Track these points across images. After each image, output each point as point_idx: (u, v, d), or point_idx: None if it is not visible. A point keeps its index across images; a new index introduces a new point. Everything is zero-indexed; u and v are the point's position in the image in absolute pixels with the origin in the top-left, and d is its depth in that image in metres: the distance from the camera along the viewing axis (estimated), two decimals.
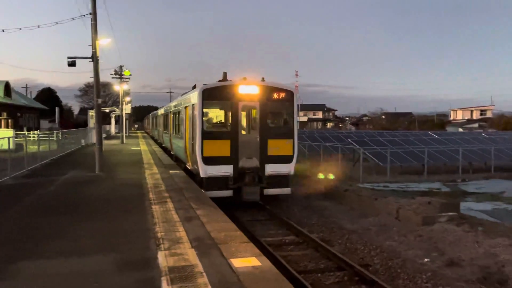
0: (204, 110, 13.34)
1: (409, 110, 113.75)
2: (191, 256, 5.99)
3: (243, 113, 13.63)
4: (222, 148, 13.08)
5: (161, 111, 32.54)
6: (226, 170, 13.04)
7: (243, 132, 13.50)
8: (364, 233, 11.58)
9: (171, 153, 22.71)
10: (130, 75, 37.49)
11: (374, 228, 12.11)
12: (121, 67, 37.61)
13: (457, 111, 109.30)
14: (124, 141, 36.92)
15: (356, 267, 8.42)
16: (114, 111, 54.44)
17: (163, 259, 5.85)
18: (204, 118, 13.34)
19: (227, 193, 13.05)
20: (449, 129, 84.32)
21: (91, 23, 15.74)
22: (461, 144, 28.11)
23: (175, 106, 20.63)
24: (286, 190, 13.84)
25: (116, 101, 75.78)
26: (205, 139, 13.00)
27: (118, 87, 40.31)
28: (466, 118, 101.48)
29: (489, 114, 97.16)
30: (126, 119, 47.10)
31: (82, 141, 32.30)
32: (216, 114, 14.64)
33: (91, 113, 40.62)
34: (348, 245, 10.43)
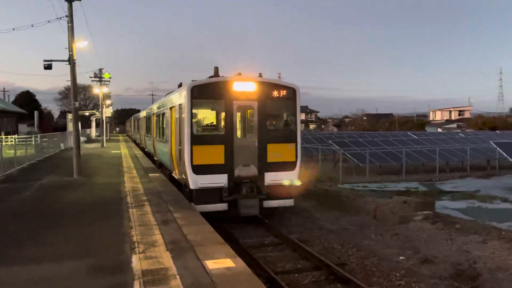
0: (193, 110, 11.72)
1: (390, 111, 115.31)
2: (166, 259, 6.00)
3: (239, 114, 12.15)
4: (215, 154, 11.54)
5: (143, 113, 30.92)
6: (220, 180, 11.46)
7: (239, 136, 11.96)
8: (342, 233, 11.73)
9: (155, 158, 21.00)
10: (110, 77, 37.19)
11: (352, 228, 12.28)
12: (100, 69, 37.24)
13: (436, 112, 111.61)
14: (105, 145, 36.49)
15: (332, 266, 8.53)
16: (94, 114, 53.74)
17: (137, 263, 5.84)
18: (193, 120, 11.75)
19: (221, 206, 11.51)
20: (429, 129, 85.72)
21: (68, 26, 15.57)
22: (438, 144, 28.69)
23: (158, 108, 18.84)
24: (289, 202, 12.25)
25: (96, 104, 74.76)
26: (194, 145, 11.38)
27: (98, 90, 39.83)
28: (445, 118, 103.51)
29: (467, 115, 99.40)
30: (107, 122, 46.56)
31: (62, 145, 31.81)
32: (207, 116, 13.13)
33: (70, 116, 40.03)
34: (326, 245, 10.55)
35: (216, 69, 12.51)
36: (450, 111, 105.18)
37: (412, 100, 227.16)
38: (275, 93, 12.16)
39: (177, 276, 5.28)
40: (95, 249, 6.61)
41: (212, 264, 5.70)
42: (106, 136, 43.03)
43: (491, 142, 20.08)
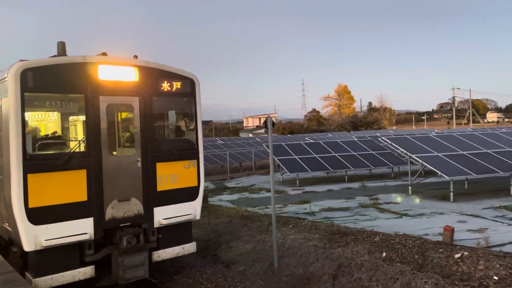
0: (27, 112, 7.03)
1: (210, 118, 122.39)
2: None
3: (108, 118, 7.62)
4: (70, 186, 7.05)
5: None
6: (81, 229, 7.09)
7: (111, 153, 7.67)
8: None
9: None
10: None
11: None
12: None
13: (249, 119, 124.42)
14: None
15: None
16: None
17: None
18: (26, 129, 6.90)
19: (84, 273, 7.10)
20: (242, 134, 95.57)
21: None
22: (233, 147, 33.48)
23: None
24: (189, 247, 8.54)
25: None
26: (31, 173, 6.70)
27: None
28: (256, 124, 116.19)
29: None
30: None
31: None
32: (52, 121, 8.41)
33: None
34: None
35: (62, 45, 7.72)
36: (260, 118, 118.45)
37: (231, 108, 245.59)
38: (166, 86, 8.33)
39: None
40: None
41: None
42: None
43: (264, 145, 24.95)
